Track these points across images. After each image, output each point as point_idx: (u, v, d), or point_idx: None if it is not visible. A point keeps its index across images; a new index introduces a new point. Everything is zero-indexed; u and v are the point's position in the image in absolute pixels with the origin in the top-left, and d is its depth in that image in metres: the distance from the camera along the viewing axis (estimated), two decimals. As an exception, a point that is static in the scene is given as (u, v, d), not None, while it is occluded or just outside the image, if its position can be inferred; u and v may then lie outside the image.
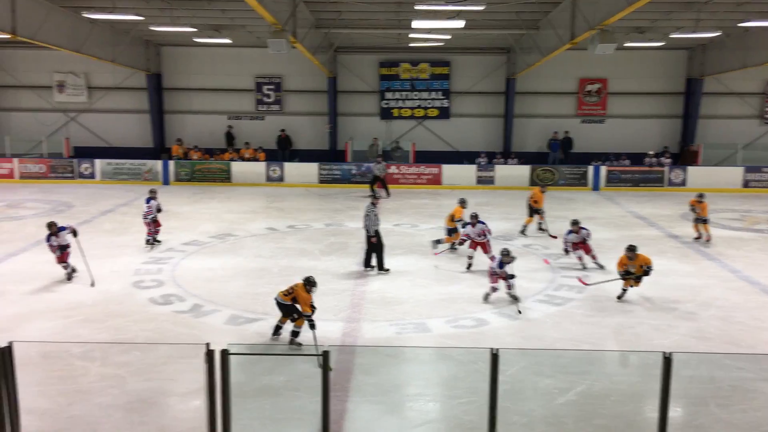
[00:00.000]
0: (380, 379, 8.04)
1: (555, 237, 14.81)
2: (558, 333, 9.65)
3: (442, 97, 26.13)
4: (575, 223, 12.83)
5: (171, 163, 23.67)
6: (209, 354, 3.79)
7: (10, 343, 3.80)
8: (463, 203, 14.34)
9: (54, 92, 25.96)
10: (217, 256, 13.79)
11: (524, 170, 23.82)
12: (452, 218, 14.06)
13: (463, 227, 13.34)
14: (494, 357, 3.76)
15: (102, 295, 11.04)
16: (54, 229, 11.54)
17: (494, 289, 10.80)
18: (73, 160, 23.92)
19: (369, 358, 8.63)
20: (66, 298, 10.90)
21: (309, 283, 8.81)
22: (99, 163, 23.53)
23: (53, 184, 22.84)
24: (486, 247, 12.67)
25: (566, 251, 13.04)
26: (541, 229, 15.89)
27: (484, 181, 23.67)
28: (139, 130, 26.21)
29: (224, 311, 10.38)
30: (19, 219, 17.18)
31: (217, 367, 3.79)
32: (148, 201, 14.41)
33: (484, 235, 12.71)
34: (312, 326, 8.64)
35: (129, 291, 11.36)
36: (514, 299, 10.71)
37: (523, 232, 15.90)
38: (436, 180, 23.73)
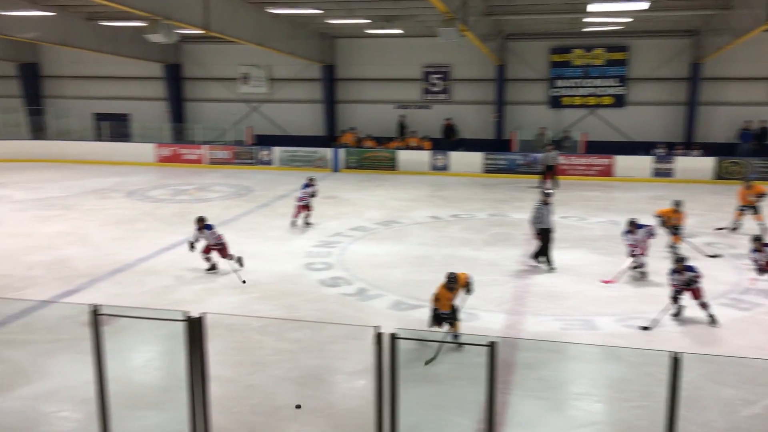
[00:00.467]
0: (544, 374, 7.84)
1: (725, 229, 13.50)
2: (743, 340, 8.84)
3: (618, 84, 24.81)
4: (757, 239, 10.64)
5: (341, 151, 24.63)
6: (378, 337, 3.87)
7: (202, 314, 4.13)
8: (677, 206, 12.83)
9: (239, 84, 27.95)
10: (382, 242, 14.14)
11: (708, 162, 22.03)
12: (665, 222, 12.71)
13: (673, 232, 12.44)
14: (675, 361, 3.50)
15: (277, 275, 11.74)
16: (201, 225, 11.61)
17: (678, 302, 9.40)
18: (254, 147, 25.66)
19: (532, 352, 8.44)
20: (247, 274, 11.70)
21: (449, 281, 8.36)
22: (277, 151, 25.04)
23: (236, 170, 24.64)
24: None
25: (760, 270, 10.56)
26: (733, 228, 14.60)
27: (662, 174, 22.20)
28: (313, 119, 27.51)
29: (388, 296, 10.63)
30: (207, 201, 18.73)
31: (385, 350, 3.88)
32: (305, 187, 15.49)
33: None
34: (451, 323, 8.31)
35: (301, 272, 11.98)
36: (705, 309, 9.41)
37: (733, 229, 14.69)
38: (607, 171, 22.64)
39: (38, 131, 28.06)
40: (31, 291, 10.62)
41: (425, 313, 9.89)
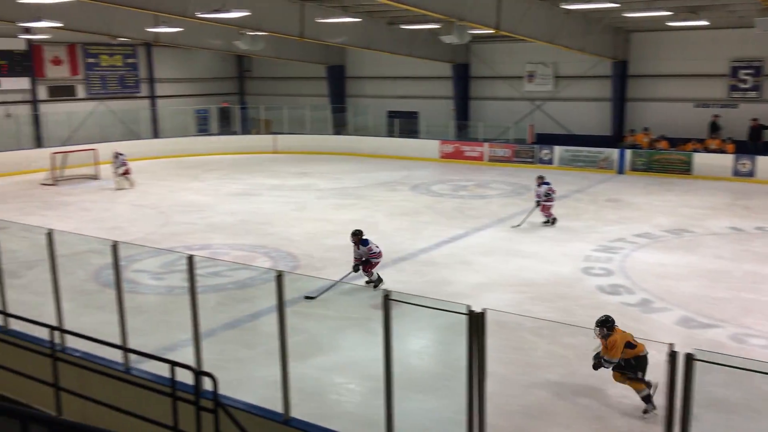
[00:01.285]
0: None
1: None
2: None
3: None
4: None
5: (627, 152, 23.26)
6: (672, 356, 3.54)
7: (484, 309, 4.17)
8: None
9: (524, 82, 27.91)
10: (671, 251, 13.05)
11: None
12: None
13: None
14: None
15: (553, 277, 11.50)
16: (357, 239, 10.74)
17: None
18: (535, 146, 25.43)
19: None
20: (520, 274, 11.66)
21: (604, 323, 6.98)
22: (558, 150, 24.52)
23: (515, 168, 24.68)
24: None
25: None
26: None
27: None
28: (599, 118, 26.39)
29: (675, 311, 9.78)
30: (485, 198, 19.05)
31: (679, 371, 3.54)
32: (540, 185, 15.16)
33: None
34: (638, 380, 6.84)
35: (578, 276, 11.57)
36: None
37: None
38: None
39: (340, 127, 31.09)
40: (328, 271, 11.78)
41: (719, 334, 8.92)
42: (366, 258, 10.70)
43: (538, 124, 27.56)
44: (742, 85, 23.50)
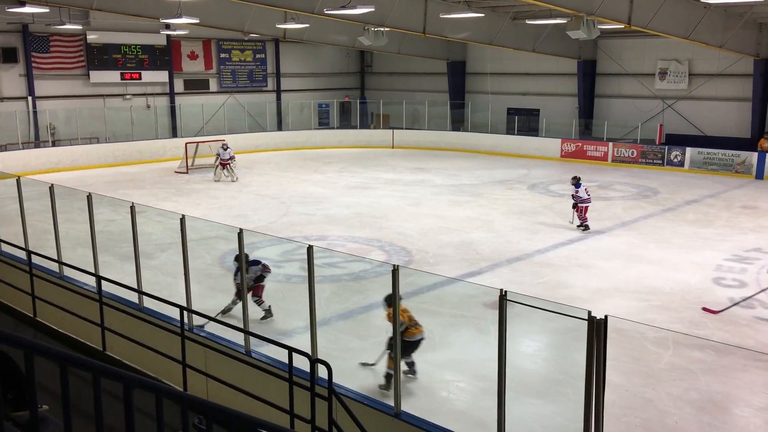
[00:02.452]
0: None
1: None
2: None
3: None
4: None
5: (768, 156, 21.60)
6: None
7: (606, 316, 4.00)
8: None
9: (655, 79, 26.54)
10: (816, 265, 11.99)
11: None
12: None
13: None
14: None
15: (679, 285, 10.88)
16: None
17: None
18: (664, 146, 24.14)
19: None
20: (643, 281, 11.11)
21: None
22: (689, 151, 23.16)
23: (642, 169, 23.55)
24: None
25: None
26: None
27: None
28: (737, 119, 24.65)
29: (818, 330, 8.97)
30: (608, 200, 18.31)
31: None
32: (577, 186, 14.68)
33: None
34: None
35: (708, 286, 10.89)
36: None
37: None
38: None
39: (458, 123, 30.92)
40: (441, 268, 11.76)
41: None
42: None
43: (668, 125, 26.16)
44: None
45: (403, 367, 7.11)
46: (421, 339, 7.26)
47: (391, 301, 5.69)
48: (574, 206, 14.73)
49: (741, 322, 9.30)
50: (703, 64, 25.05)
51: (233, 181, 21.02)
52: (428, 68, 32.30)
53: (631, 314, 9.48)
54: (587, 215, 14.63)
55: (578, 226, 14.61)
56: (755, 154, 21.91)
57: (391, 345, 6.51)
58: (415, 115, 31.19)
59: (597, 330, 4.20)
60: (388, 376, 6.96)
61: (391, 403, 5.50)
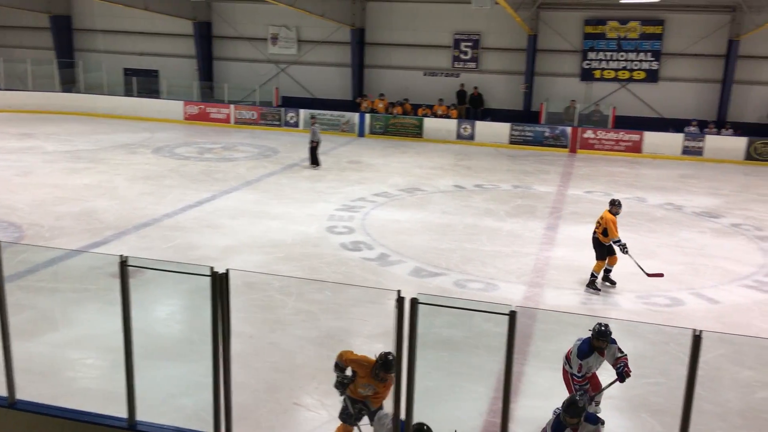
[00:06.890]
0: (561, 346, 7.87)
1: None
2: (765, 323, 8.79)
3: (651, 59, 24.29)
4: None
5: (367, 116, 24.52)
6: (399, 301, 3.91)
7: (227, 270, 4.21)
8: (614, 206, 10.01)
9: (268, 44, 27.83)
10: (405, 209, 14.17)
11: (740, 142, 21.62)
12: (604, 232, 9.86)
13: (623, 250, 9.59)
14: (696, 339, 3.50)
15: (300, 236, 11.85)
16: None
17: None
18: (281, 108, 25.65)
19: (551, 324, 8.48)
20: (268, 235, 11.84)
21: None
22: (303, 113, 25.01)
23: (262, 131, 24.69)
24: None
25: None
26: None
27: (691, 152, 21.85)
28: (340, 83, 27.36)
29: (409, 263, 10.69)
30: (232, 160, 18.84)
31: (406, 314, 3.94)
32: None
33: None
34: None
35: (323, 235, 12.07)
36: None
37: None
38: (635, 147, 22.33)
39: (68, 84, 28.26)
40: (60, 241, 10.84)
41: (445, 281, 9.97)
42: None
43: (283, 87, 27.77)
44: (463, 56, 25.99)
45: None
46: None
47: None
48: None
49: (350, 263, 10.57)
50: (309, 31, 27.07)
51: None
52: (29, 22, 28.74)
53: (259, 267, 10.06)
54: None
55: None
56: (357, 115, 24.68)
57: None
58: (18, 74, 27.56)
59: (220, 284, 4.38)
60: None
61: (4, 393, 4.97)
